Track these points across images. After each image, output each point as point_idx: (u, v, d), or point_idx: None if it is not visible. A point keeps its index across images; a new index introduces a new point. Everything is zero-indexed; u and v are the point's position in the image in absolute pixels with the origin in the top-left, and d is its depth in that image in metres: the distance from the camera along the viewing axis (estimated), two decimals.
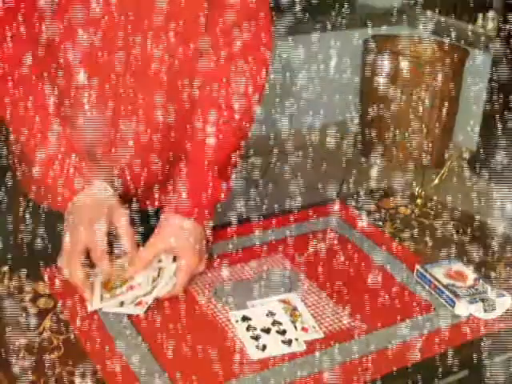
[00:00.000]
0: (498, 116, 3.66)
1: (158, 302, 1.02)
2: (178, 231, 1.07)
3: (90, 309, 0.99)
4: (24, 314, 0.98)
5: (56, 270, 1.07)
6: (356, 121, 4.11)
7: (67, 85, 1.11)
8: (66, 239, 1.04)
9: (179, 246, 1.06)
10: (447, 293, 1.04)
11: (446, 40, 3.82)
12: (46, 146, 1.08)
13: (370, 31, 3.90)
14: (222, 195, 1.13)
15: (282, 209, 1.31)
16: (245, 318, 0.98)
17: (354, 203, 1.35)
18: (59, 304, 1.00)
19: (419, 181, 3.65)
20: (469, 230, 1.29)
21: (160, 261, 1.06)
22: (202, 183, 1.11)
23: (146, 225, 1.21)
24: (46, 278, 1.06)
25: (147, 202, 1.26)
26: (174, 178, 1.14)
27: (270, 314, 0.99)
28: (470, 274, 1.08)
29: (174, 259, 1.06)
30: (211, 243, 1.14)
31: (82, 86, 1.11)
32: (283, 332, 0.96)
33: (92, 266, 1.03)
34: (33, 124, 1.08)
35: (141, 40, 1.09)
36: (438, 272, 1.08)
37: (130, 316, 0.99)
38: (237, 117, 1.15)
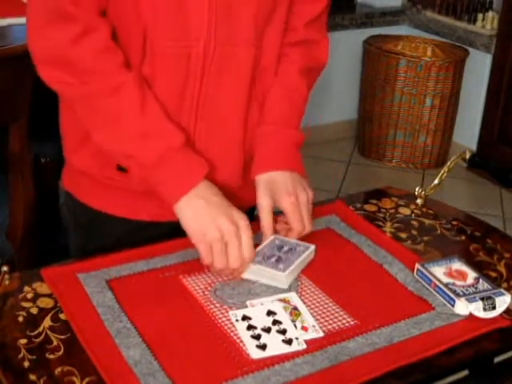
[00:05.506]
0: (497, 116, 3.67)
1: (158, 301, 1.02)
2: (277, 184, 1.20)
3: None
4: (24, 314, 0.98)
5: (56, 269, 1.07)
6: (356, 121, 4.11)
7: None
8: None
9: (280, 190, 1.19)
10: (447, 292, 1.04)
11: (446, 40, 3.82)
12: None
13: (369, 31, 3.91)
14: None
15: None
16: (245, 318, 0.98)
17: (354, 203, 1.36)
18: (59, 304, 1.00)
19: (419, 181, 3.66)
20: (469, 230, 1.29)
21: None
22: (284, 136, 1.26)
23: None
24: (45, 277, 1.06)
25: None
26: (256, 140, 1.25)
27: (270, 313, 0.99)
28: (470, 272, 1.08)
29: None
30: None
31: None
32: (283, 331, 0.96)
33: None
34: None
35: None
36: (438, 271, 1.08)
37: (130, 316, 0.99)
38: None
